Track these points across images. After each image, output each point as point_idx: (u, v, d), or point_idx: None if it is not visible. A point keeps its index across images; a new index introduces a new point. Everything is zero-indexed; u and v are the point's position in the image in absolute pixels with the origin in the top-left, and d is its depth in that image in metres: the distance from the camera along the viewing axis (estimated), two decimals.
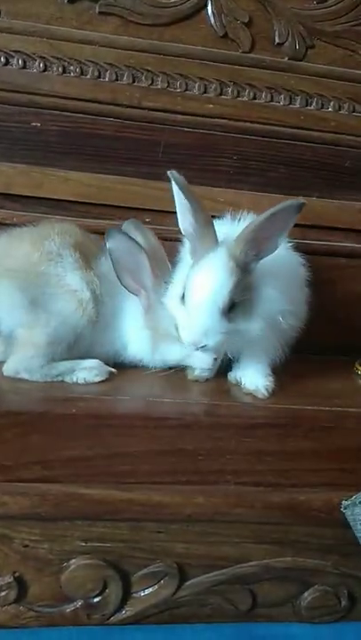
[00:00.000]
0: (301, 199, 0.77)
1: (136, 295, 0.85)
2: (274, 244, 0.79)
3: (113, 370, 0.83)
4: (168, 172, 0.79)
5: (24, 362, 0.79)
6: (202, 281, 0.76)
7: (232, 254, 0.76)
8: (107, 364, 0.84)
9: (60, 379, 0.80)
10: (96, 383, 0.81)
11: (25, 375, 0.79)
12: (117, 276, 0.83)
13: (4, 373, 0.79)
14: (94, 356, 0.84)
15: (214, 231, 0.78)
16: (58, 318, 0.80)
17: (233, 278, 0.75)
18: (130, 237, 0.83)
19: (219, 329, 0.75)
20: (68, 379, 0.80)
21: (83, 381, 0.80)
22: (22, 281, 0.80)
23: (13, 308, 0.80)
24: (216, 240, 0.78)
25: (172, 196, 0.82)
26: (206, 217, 0.78)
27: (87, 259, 0.85)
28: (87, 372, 0.81)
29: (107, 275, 0.85)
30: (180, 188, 0.78)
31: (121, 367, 0.85)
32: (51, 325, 0.79)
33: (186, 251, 0.87)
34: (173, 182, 0.79)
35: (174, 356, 0.85)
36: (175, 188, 0.80)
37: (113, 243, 0.82)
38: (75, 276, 0.82)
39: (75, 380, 0.80)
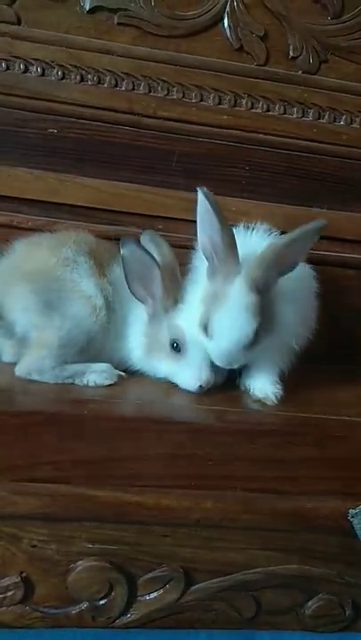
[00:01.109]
0: (322, 220, 0.79)
1: (143, 302, 0.86)
2: (293, 265, 0.80)
3: (123, 374, 0.84)
4: (198, 189, 0.78)
5: (36, 363, 0.80)
6: (227, 322, 0.77)
7: (254, 281, 0.77)
8: (116, 368, 0.85)
9: (70, 381, 0.81)
10: (107, 386, 0.81)
11: (36, 376, 0.80)
12: (127, 283, 0.84)
13: (16, 374, 0.80)
14: (104, 361, 0.85)
15: (237, 254, 0.78)
16: (71, 322, 0.81)
17: (257, 315, 0.77)
18: (143, 248, 0.84)
19: (245, 357, 0.79)
20: (78, 381, 0.81)
21: (93, 384, 0.81)
22: (38, 284, 0.82)
23: (28, 310, 0.81)
24: (238, 262, 0.78)
25: (185, 206, 0.83)
26: (232, 238, 0.78)
27: (101, 266, 0.87)
28: (97, 375, 0.82)
29: (118, 282, 0.87)
30: (212, 205, 0.77)
31: (131, 372, 0.86)
32: (64, 328, 0.80)
33: (199, 264, 0.88)
34: (204, 198, 0.78)
35: (163, 371, 0.85)
36: (204, 204, 0.78)
37: (127, 251, 0.83)
38: (89, 283, 0.84)
39: (85, 382, 0.81)
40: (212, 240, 0.79)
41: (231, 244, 0.78)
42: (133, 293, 0.85)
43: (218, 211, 0.77)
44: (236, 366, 0.80)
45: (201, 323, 0.80)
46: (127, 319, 0.88)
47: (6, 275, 0.85)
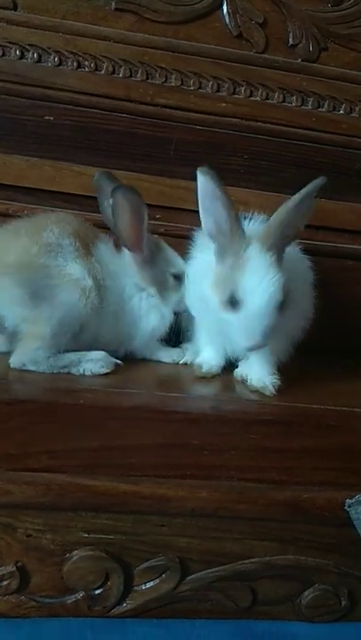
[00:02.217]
0: (322, 178, 0.79)
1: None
2: (299, 229, 0.80)
3: (119, 362, 0.84)
4: (199, 169, 0.77)
5: (30, 354, 0.79)
6: (258, 283, 0.76)
7: (270, 244, 0.77)
8: (114, 350, 0.85)
9: (66, 370, 0.80)
10: (103, 375, 0.81)
11: (31, 367, 0.79)
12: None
13: (11, 365, 0.80)
14: (102, 344, 0.84)
15: (243, 228, 0.78)
16: (61, 309, 0.80)
17: (281, 272, 0.76)
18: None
19: (275, 327, 0.77)
20: (74, 370, 0.81)
21: (89, 373, 0.81)
22: (22, 276, 0.79)
23: (15, 304, 0.80)
24: (245, 237, 0.78)
25: (184, 194, 0.82)
26: (236, 214, 0.78)
27: (87, 245, 0.85)
28: (93, 363, 0.81)
29: (105, 259, 0.86)
30: (216, 183, 0.76)
31: (128, 360, 0.86)
32: (55, 317, 0.79)
33: (200, 249, 0.87)
34: (207, 178, 0.76)
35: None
36: (207, 184, 0.77)
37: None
38: (75, 265, 0.82)
39: (81, 371, 0.81)
40: (217, 219, 0.78)
41: (237, 219, 0.78)
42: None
43: (221, 188, 0.76)
44: (268, 341, 0.77)
45: (224, 298, 0.77)
46: (121, 296, 0.87)
47: None
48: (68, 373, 0.80)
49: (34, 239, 0.81)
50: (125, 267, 0.89)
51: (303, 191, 0.78)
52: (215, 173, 0.76)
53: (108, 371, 0.82)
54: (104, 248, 0.87)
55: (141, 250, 0.87)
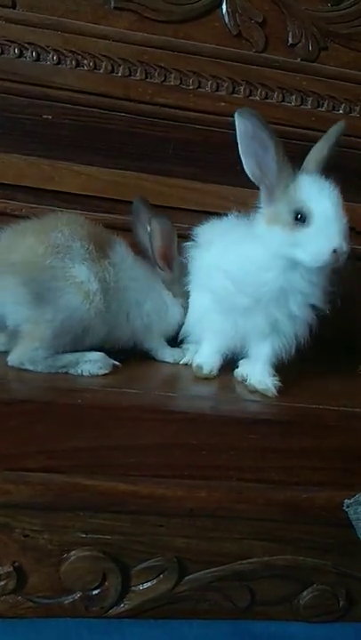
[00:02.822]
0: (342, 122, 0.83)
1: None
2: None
3: (117, 363, 0.83)
4: (237, 112, 0.76)
5: (28, 353, 0.79)
6: (320, 190, 0.77)
7: (315, 171, 0.80)
8: (125, 352, 0.85)
9: (64, 370, 0.80)
10: (101, 375, 0.81)
11: (29, 366, 0.79)
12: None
13: (9, 363, 0.79)
14: (113, 341, 0.85)
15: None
16: (64, 312, 0.79)
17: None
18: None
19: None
20: (72, 371, 0.80)
21: (87, 374, 0.80)
22: (26, 276, 0.79)
23: (18, 304, 0.79)
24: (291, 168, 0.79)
25: (182, 194, 0.82)
26: (283, 148, 0.79)
27: (102, 248, 0.85)
28: (91, 364, 0.81)
29: (123, 262, 0.87)
30: (258, 123, 0.75)
31: (126, 360, 0.85)
32: (57, 319, 0.79)
33: (196, 256, 0.89)
34: (248, 120, 0.76)
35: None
36: (248, 126, 0.76)
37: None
38: (82, 268, 0.81)
39: (79, 372, 0.80)
40: (262, 159, 0.78)
41: (284, 152, 0.78)
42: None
43: (264, 127, 0.76)
44: (346, 245, 0.76)
45: (289, 220, 0.77)
46: (140, 298, 0.89)
47: None
48: (66, 373, 0.80)
49: (41, 239, 0.81)
50: (147, 271, 0.92)
51: (332, 130, 0.84)
52: (256, 113, 0.76)
53: (107, 372, 0.81)
54: (121, 250, 0.88)
55: (172, 269, 0.92)
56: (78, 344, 0.81)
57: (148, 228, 0.90)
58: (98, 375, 0.81)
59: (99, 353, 0.82)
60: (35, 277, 0.79)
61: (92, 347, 0.83)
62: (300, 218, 0.77)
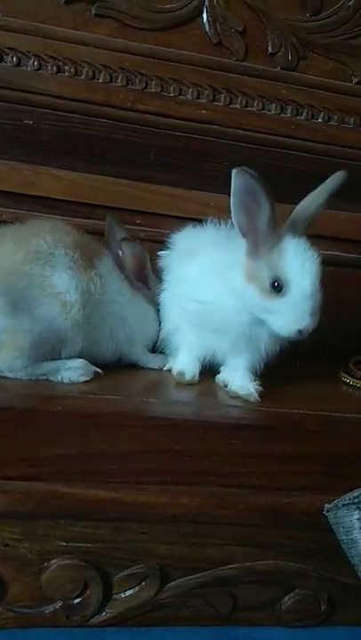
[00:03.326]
0: (341, 173, 0.83)
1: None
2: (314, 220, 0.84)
3: (99, 370, 0.83)
4: (235, 169, 0.75)
5: (7, 361, 0.78)
6: (302, 264, 0.77)
7: (301, 233, 0.80)
8: (105, 362, 0.85)
9: (44, 377, 0.79)
10: (82, 382, 0.80)
11: (8, 374, 0.78)
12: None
13: None
14: (93, 355, 0.84)
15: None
16: (42, 323, 0.78)
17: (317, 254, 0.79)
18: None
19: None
20: (52, 378, 0.80)
21: (68, 381, 0.80)
22: (3, 283, 0.77)
23: None
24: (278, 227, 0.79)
25: (164, 200, 0.82)
26: (275, 207, 0.78)
27: (89, 258, 0.84)
28: (72, 371, 0.80)
29: (111, 274, 0.86)
30: (255, 181, 0.74)
31: (107, 367, 0.85)
32: (35, 330, 0.78)
33: (172, 264, 0.88)
34: (245, 176, 0.75)
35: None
36: (244, 181, 0.75)
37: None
38: (62, 277, 0.79)
39: (60, 379, 0.80)
40: (252, 215, 0.77)
41: (275, 211, 0.78)
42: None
43: (260, 184, 0.75)
44: (314, 323, 0.77)
45: (265, 286, 0.77)
46: (125, 311, 0.88)
47: None
48: (47, 380, 0.79)
49: (20, 245, 0.79)
50: (131, 283, 0.91)
51: (325, 184, 0.83)
52: (253, 172, 0.75)
53: (88, 379, 0.81)
54: (109, 262, 0.87)
55: (149, 287, 0.92)
56: (56, 354, 0.81)
57: (120, 252, 0.89)
58: (79, 382, 0.80)
59: (80, 360, 0.82)
60: (12, 285, 0.77)
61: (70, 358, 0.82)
62: (277, 287, 0.77)
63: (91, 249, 0.86)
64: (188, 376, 0.85)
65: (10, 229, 0.84)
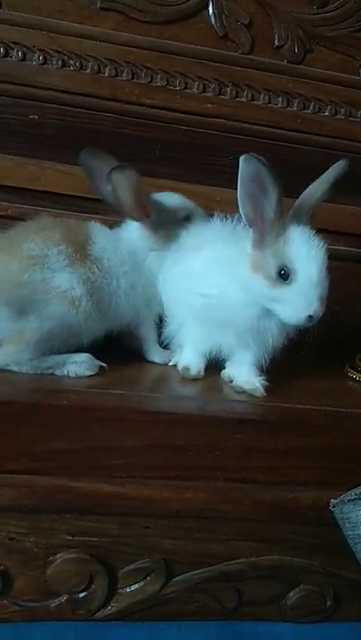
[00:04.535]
0: (343, 162, 0.83)
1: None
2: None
3: (103, 364, 0.83)
4: (243, 156, 0.75)
5: (13, 355, 0.78)
6: (308, 251, 0.77)
7: (305, 222, 0.80)
8: (111, 352, 0.84)
9: (50, 371, 0.79)
10: (88, 376, 0.80)
11: (14, 367, 0.78)
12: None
13: None
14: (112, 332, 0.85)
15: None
16: (51, 321, 0.78)
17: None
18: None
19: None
20: (58, 372, 0.80)
21: (74, 375, 0.80)
22: (5, 295, 0.76)
23: (1, 320, 0.77)
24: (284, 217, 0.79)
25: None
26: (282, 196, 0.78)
27: (81, 247, 0.82)
28: (77, 365, 0.80)
29: (105, 251, 0.84)
30: (263, 168, 0.74)
31: (112, 361, 0.85)
32: (44, 327, 0.77)
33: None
34: (253, 164, 0.74)
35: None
36: (252, 169, 0.75)
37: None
38: (64, 274, 0.79)
39: (65, 372, 0.80)
40: (259, 204, 0.77)
41: (283, 205, 0.78)
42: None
43: (269, 173, 0.74)
44: (321, 310, 0.77)
45: (272, 274, 0.77)
46: (127, 287, 0.86)
47: None
48: (52, 374, 0.79)
49: (13, 254, 0.78)
50: (128, 243, 0.89)
51: (328, 173, 0.83)
52: (262, 158, 0.75)
53: (93, 373, 0.81)
54: (99, 239, 0.84)
55: (149, 216, 0.88)
56: (71, 345, 0.81)
57: (109, 186, 0.84)
58: (84, 376, 0.80)
59: (85, 354, 0.82)
60: (15, 295, 0.76)
61: (88, 344, 0.82)
62: (284, 275, 0.77)
63: (78, 235, 0.83)
64: (193, 371, 0.84)
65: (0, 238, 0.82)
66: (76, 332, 0.80)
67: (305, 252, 0.78)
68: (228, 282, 0.81)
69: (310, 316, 0.77)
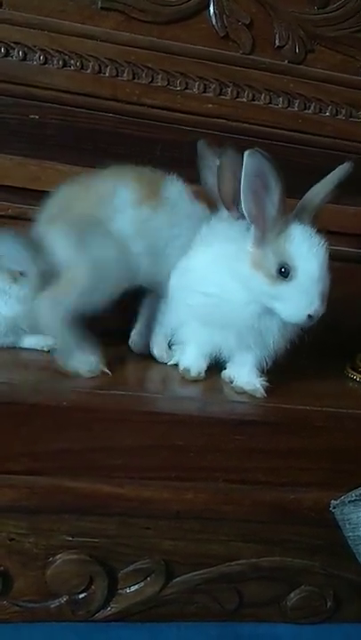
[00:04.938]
0: (348, 164, 0.83)
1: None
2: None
3: (107, 371, 0.81)
4: (248, 151, 0.75)
5: (56, 299, 0.78)
6: (309, 248, 0.77)
7: (307, 221, 0.80)
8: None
9: (57, 351, 0.80)
10: (88, 377, 0.80)
11: (46, 311, 0.78)
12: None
13: (40, 298, 0.79)
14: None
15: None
16: (102, 269, 0.79)
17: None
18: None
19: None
20: (62, 356, 0.79)
21: (73, 369, 0.78)
22: (68, 222, 0.81)
23: (64, 251, 0.80)
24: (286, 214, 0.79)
25: None
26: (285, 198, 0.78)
27: (152, 188, 0.85)
28: (82, 363, 0.79)
29: (177, 199, 0.87)
30: (266, 164, 0.75)
31: (112, 362, 0.85)
32: (94, 274, 0.79)
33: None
34: (257, 159, 0.75)
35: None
36: (256, 165, 0.75)
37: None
38: (124, 218, 0.82)
39: (67, 363, 0.78)
40: (261, 201, 0.77)
41: (285, 202, 0.78)
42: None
43: (272, 168, 0.75)
44: (322, 309, 0.77)
45: (272, 271, 0.77)
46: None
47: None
48: (55, 364, 0.78)
49: (85, 186, 0.84)
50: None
51: (332, 175, 0.83)
52: (266, 154, 0.75)
53: (92, 376, 0.79)
54: (173, 188, 0.88)
55: (236, 210, 0.86)
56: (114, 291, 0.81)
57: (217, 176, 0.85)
58: (82, 376, 0.79)
59: (93, 356, 0.80)
60: (76, 226, 0.80)
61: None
62: (284, 272, 0.77)
63: (153, 177, 0.87)
64: (193, 372, 0.84)
65: (79, 177, 0.88)
66: (125, 274, 0.82)
67: (306, 249, 0.78)
68: (229, 280, 0.81)
69: (310, 316, 0.77)
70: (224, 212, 0.87)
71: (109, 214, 0.81)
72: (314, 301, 0.77)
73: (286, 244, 0.78)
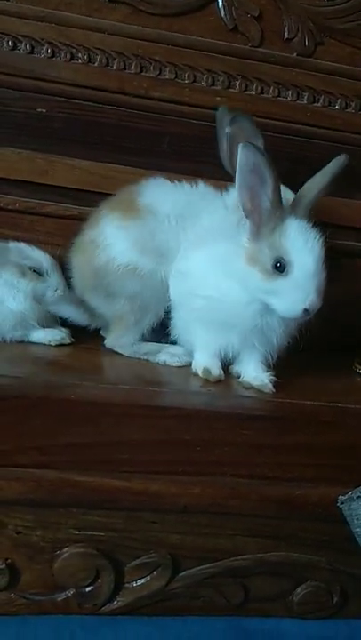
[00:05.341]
0: (343, 156, 0.83)
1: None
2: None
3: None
4: (242, 144, 0.75)
5: (118, 339, 0.87)
6: (305, 243, 0.77)
7: (303, 216, 0.80)
8: None
9: (145, 357, 0.86)
10: (94, 371, 0.80)
11: (119, 350, 0.87)
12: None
13: (106, 345, 0.88)
14: None
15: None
16: (135, 299, 0.85)
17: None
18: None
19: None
20: (152, 358, 0.86)
21: (163, 363, 0.85)
22: (89, 282, 0.89)
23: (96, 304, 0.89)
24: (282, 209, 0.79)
25: None
26: (280, 187, 0.79)
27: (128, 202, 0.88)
28: (170, 355, 0.86)
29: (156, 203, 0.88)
30: (261, 158, 0.75)
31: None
32: (135, 307, 0.85)
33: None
34: (251, 152, 0.75)
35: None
36: (250, 158, 0.75)
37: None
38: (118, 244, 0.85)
39: (157, 360, 0.85)
40: (257, 194, 0.77)
41: (280, 192, 0.78)
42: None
43: (267, 162, 0.75)
44: (319, 302, 0.77)
45: (268, 266, 0.77)
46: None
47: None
48: (147, 360, 0.86)
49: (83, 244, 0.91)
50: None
51: (327, 168, 0.83)
52: (260, 148, 0.76)
53: (181, 365, 0.85)
54: (154, 188, 0.91)
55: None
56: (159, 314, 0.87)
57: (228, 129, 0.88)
58: (172, 366, 0.85)
59: (178, 347, 0.87)
60: (95, 283, 0.86)
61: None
62: (280, 267, 0.77)
63: (128, 192, 0.90)
64: (215, 372, 0.82)
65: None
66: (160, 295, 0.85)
67: (301, 243, 0.77)
68: (227, 281, 0.80)
69: (306, 310, 0.76)
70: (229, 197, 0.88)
71: (108, 255, 0.85)
72: (309, 295, 0.76)
73: (282, 238, 0.77)
